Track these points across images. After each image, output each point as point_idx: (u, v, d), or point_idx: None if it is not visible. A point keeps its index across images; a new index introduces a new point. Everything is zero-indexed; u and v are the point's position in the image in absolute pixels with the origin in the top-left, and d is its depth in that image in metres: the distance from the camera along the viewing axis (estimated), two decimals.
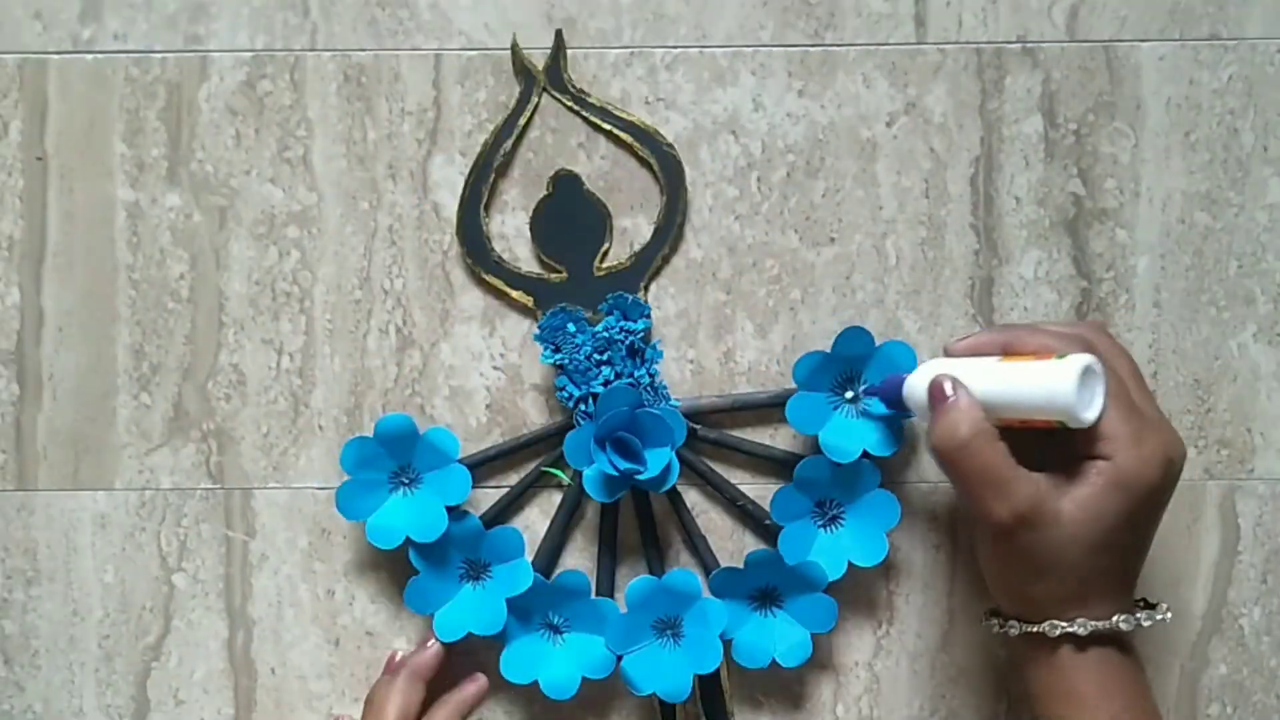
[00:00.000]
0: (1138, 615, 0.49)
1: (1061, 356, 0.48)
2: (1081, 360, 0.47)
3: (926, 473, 0.59)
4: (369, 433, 0.56)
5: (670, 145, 0.58)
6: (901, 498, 0.57)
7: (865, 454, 0.56)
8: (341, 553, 0.60)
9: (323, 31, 0.59)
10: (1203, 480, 0.60)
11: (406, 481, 0.57)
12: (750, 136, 0.59)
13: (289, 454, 0.59)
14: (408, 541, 0.56)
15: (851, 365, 0.56)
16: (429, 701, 0.57)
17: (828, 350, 0.56)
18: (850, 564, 0.57)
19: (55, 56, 0.59)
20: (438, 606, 0.57)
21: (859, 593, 0.60)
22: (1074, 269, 0.59)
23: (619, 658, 0.56)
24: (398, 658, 0.58)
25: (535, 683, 0.57)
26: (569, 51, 0.58)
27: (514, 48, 0.58)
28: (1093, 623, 0.48)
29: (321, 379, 0.59)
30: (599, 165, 0.59)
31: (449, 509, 0.56)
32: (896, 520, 0.57)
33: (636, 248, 0.59)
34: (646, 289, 0.59)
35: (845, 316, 0.59)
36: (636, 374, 0.57)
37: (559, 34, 0.58)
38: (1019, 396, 0.48)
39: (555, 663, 0.57)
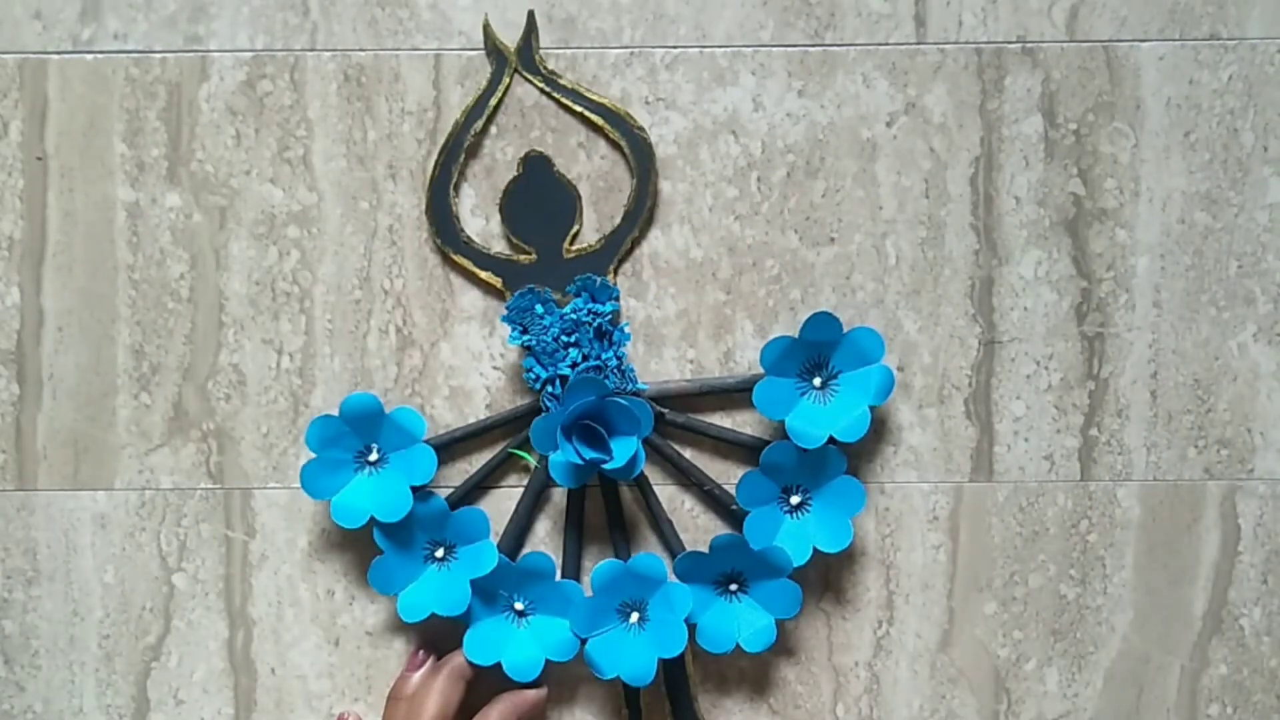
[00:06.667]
0: None
1: None
2: None
3: (927, 473, 0.59)
4: None
5: (640, 128, 0.58)
6: (902, 498, 0.57)
7: (832, 440, 0.56)
8: (341, 553, 0.60)
9: (323, 31, 0.59)
10: (1203, 480, 0.60)
11: (372, 461, 0.57)
12: (750, 136, 0.59)
13: (289, 454, 0.59)
14: (372, 521, 0.56)
15: (820, 351, 0.56)
16: (465, 703, 0.57)
17: (795, 335, 0.56)
18: (816, 551, 0.57)
19: (55, 56, 0.59)
20: (402, 587, 0.57)
21: (860, 590, 0.60)
22: (1074, 269, 0.59)
23: (583, 641, 0.56)
24: (420, 654, 0.58)
25: (499, 664, 0.57)
26: (569, 51, 0.58)
27: (486, 28, 0.58)
28: None
29: (321, 379, 0.59)
30: (599, 165, 0.59)
31: (414, 489, 0.56)
32: (862, 506, 0.57)
33: (629, 247, 0.59)
34: (616, 271, 0.59)
35: (845, 316, 0.58)
36: (604, 356, 0.57)
37: (531, 15, 0.58)
38: None
39: (519, 645, 0.57)
